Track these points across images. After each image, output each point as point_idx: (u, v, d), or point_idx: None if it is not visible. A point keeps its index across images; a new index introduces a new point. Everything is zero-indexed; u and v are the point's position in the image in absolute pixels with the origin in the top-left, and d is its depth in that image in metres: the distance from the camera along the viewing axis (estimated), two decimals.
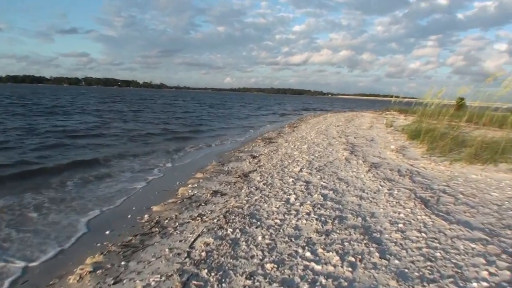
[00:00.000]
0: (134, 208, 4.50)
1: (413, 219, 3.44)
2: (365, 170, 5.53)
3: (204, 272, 2.48)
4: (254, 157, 7.05)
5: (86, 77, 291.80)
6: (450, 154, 6.48)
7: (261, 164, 6.27)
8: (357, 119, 17.07)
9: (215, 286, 2.31)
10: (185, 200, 4.47)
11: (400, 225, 3.29)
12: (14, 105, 24.00)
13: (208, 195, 4.58)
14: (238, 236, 3.11)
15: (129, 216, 4.21)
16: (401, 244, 2.90)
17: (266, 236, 3.07)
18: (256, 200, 4.14)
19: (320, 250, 2.77)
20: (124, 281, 2.50)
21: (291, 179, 5.00)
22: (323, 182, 4.87)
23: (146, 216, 4.10)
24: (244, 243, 2.95)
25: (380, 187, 4.60)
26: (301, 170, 5.56)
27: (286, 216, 3.56)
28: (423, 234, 3.07)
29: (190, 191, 4.89)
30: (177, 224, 3.62)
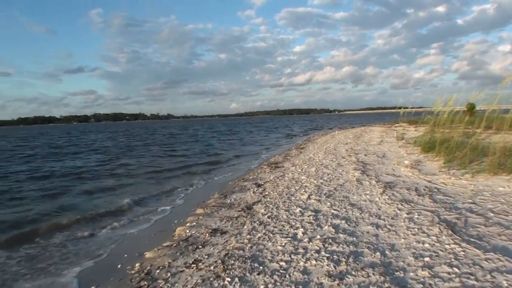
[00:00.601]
0: (126, 255, 4.07)
1: (441, 249, 2.94)
2: (379, 192, 5.04)
3: None
4: (259, 185, 6.61)
5: (95, 114, 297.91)
6: (470, 165, 5.97)
7: (266, 193, 5.82)
8: (366, 134, 16.58)
9: None
10: (181, 242, 4.04)
11: (427, 259, 2.79)
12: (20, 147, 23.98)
13: (207, 234, 4.14)
14: (237, 287, 2.65)
15: (119, 265, 3.78)
16: (430, 285, 2.40)
17: (270, 286, 2.60)
18: (259, 238, 3.68)
19: None
20: None
21: (298, 209, 4.54)
22: (334, 209, 4.40)
23: (137, 265, 3.68)
24: None
25: (398, 211, 4.10)
26: (309, 197, 5.10)
27: (292, 256, 3.09)
28: (456, 269, 2.57)
29: (187, 230, 4.47)
30: (169, 274, 3.18)
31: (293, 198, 5.21)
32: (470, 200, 4.37)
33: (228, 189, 6.97)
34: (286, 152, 12.80)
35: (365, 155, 8.97)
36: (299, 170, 7.67)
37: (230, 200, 5.76)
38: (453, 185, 5.22)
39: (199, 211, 5.37)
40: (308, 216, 4.21)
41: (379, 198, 4.72)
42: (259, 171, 8.58)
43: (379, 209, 4.29)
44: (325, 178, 6.38)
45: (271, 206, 4.90)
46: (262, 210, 4.73)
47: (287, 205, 4.82)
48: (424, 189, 5.07)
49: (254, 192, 6.02)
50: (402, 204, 4.35)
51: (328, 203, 4.70)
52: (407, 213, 4.00)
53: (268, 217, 4.39)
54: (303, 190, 5.64)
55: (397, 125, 22.23)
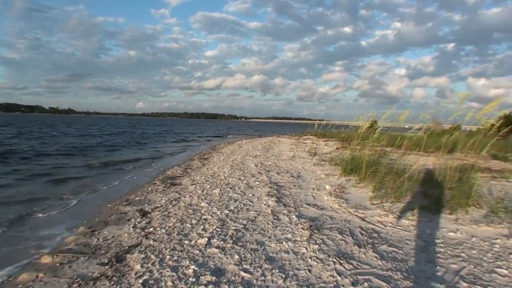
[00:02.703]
0: None
1: None
2: (305, 236, 3.68)
3: None
4: (144, 214, 4.87)
5: None
6: (404, 198, 4.95)
7: (151, 229, 4.13)
8: (275, 146, 15.54)
9: None
10: None
11: None
12: None
13: None
14: None
15: None
16: None
17: None
18: None
19: None
20: None
21: (192, 267, 3.00)
22: (244, 270, 2.94)
23: None
24: None
25: (339, 278, 2.76)
26: (209, 243, 3.55)
27: None
28: None
29: None
30: None
31: (186, 242, 3.60)
32: (425, 255, 3.21)
33: (102, 215, 5.12)
34: (187, 162, 11.03)
35: (278, 173, 7.69)
36: (200, 191, 6.05)
37: (98, 239, 3.93)
38: (393, 226, 4.08)
39: (45, 260, 3.46)
40: (205, 285, 2.62)
41: (307, 249, 3.36)
42: (150, 188, 6.76)
43: (309, 270, 2.92)
44: (232, 207, 4.88)
45: (153, 256, 3.25)
46: (138, 266, 3.05)
47: (176, 257, 3.23)
48: (361, 233, 3.84)
49: (135, 227, 4.25)
50: (340, 263, 3.02)
51: (236, 256, 3.20)
52: (352, 284, 2.63)
53: (143, 283, 2.70)
54: (202, 226, 4.06)
55: (305, 137, 21.86)
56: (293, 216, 4.39)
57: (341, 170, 7.28)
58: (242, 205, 5.00)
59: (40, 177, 8.45)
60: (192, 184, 6.78)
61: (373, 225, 4.11)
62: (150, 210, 5.04)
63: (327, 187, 6.12)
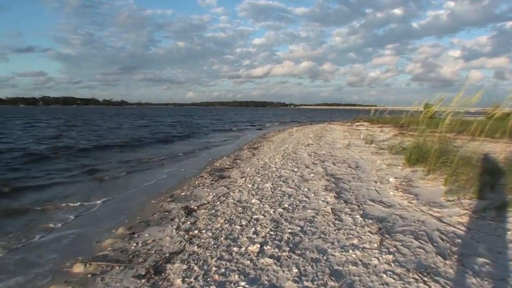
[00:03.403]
0: None
1: None
2: (375, 243, 3.11)
3: None
4: (189, 212, 4.50)
5: (44, 97, 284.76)
6: (485, 193, 4.24)
7: (196, 231, 3.73)
8: (327, 133, 14.85)
9: None
10: None
11: None
12: None
13: None
14: None
15: None
16: None
17: None
18: None
19: None
20: None
21: (242, 284, 2.52)
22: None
23: None
24: None
25: None
26: (261, 250, 3.08)
27: None
28: None
29: None
30: None
31: (235, 248, 3.16)
32: None
33: (145, 214, 4.81)
34: (237, 152, 10.69)
35: (334, 163, 7.11)
36: (250, 185, 5.63)
37: (137, 244, 3.60)
38: (478, 229, 3.39)
39: (77, 269, 3.18)
40: None
41: (379, 260, 2.79)
42: (197, 182, 6.44)
43: None
44: (286, 205, 4.40)
45: (196, 268, 2.83)
46: (179, 281, 2.64)
47: (223, 269, 2.77)
48: (441, 238, 3.21)
49: (178, 228, 3.90)
50: (424, 281, 2.44)
51: (294, 269, 2.70)
52: None
53: None
54: (254, 229, 3.61)
55: (358, 123, 20.89)
56: (357, 216, 3.84)
57: (405, 160, 6.56)
58: (298, 202, 4.50)
59: (86, 171, 8.45)
60: (242, 177, 6.39)
61: (454, 227, 3.48)
62: (196, 207, 4.67)
63: (391, 179, 5.48)
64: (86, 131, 20.89)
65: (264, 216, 4.01)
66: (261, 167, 7.22)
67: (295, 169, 6.68)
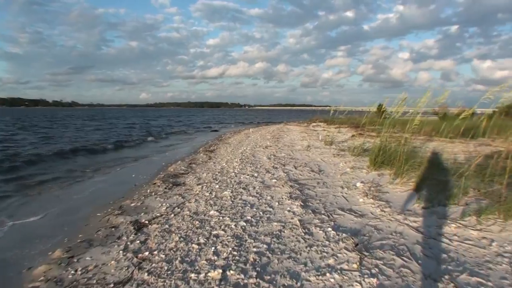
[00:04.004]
0: None
1: None
2: (354, 264, 2.70)
3: None
4: (139, 227, 3.91)
5: None
6: (460, 199, 3.98)
7: (146, 253, 3.16)
8: (285, 134, 14.53)
9: None
10: None
11: None
12: None
13: None
14: None
15: None
16: None
17: None
18: None
19: None
20: None
21: None
22: None
23: None
24: None
25: None
26: (224, 277, 2.60)
27: None
28: None
29: None
30: None
31: (193, 275, 2.65)
32: None
33: (88, 230, 4.15)
34: (192, 156, 10.06)
35: (295, 167, 6.73)
36: (207, 193, 5.09)
37: (76, 271, 2.97)
38: (460, 240, 3.09)
39: None
40: None
41: (362, 286, 2.38)
42: (148, 190, 5.80)
43: None
44: (249, 216, 3.92)
45: None
46: None
47: None
48: (424, 253, 2.86)
49: (126, 249, 3.29)
50: None
51: None
52: None
53: None
54: (214, 248, 3.10)
55: (314, 124, 20.87)
56: (329, 229, 3.43)
57: (369, 163, 6.29)
58: (261, 213, 4.03)
59: (21, 181, 7.52)
60: (198, 184, 5.82)
61: (435, 239, 3.15)
62: (147, 221, 4.07)
63: (358, 184, 5.14)
64: (32, 135, 19.16)
65: (225, 231, 3.51)
66: (219, 172, 6.69)
67: (255, 174, 6.22)
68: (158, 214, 4.33)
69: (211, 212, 4.15)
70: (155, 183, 6.31)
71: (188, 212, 4.27)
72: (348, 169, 6.33)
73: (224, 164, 7.69)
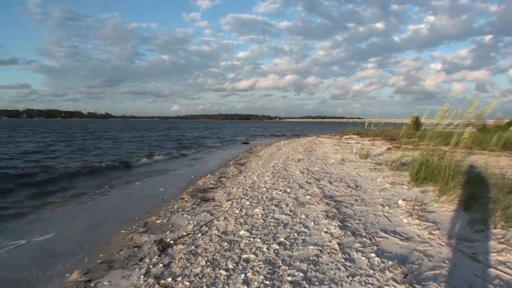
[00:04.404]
0: None
1: None
2: None
3: None
4: (163, 247, 3.67)
5: (28, 109, 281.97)
6: None
7: (170, 279, 2.89)
8: (317, 147, 14.14)
9: None
10: None
11: None
12: None
13: None
14: None
15: None
16: None
17: None
18: None
19: None
20: None
21: None
22: None
23: None
24: None
25: None
26: None
27: None
28: None
29: None
30: None
31: None
32: None
33: (110, 249, 3.94)
34: (222, 169, 9.86)
35: (330, 182, 6.38)
36: (237, 210, 4.83)
37: None
38: None
39: None
40: None
41: None
42: (176, 206, 5.60)
43: None
44: (282, 238, 3.62)
45: None
46: None
47: None
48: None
49: (147, 273, 3.04)
50: None
51: None
52: None
53: None
54: (243, 275, 2.80)
55: (347, 136, 20.33)
56: (372, 255, 3.08)
57: (410, 178, 5.86)
58: (295, 234, 3.72)
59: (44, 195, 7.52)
60: (228, 200, 5.57)
61: (495, 269, 2.75)
62: (172, 241, 3.83)
63: (400, 202, 4.75)
64: (72, 148, 19.50)
65: (256, 255, 3.21)
66: (249, 187, 6.43)
67: (288, 190, 5.92)
68: (184, 233, 4.09)
69: (241, 232, 3.88)
70: (183, 198, 6.11)
71: (216, 231, 4.01)
72: (387, 184, 5.93)
73: (255, 178, 7.43)
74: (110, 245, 4.13)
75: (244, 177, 7.84)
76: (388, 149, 11.40)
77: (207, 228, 4.20)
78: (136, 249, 3.78)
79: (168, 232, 4.23)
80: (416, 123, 17.49)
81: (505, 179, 4.91)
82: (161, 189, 7.55)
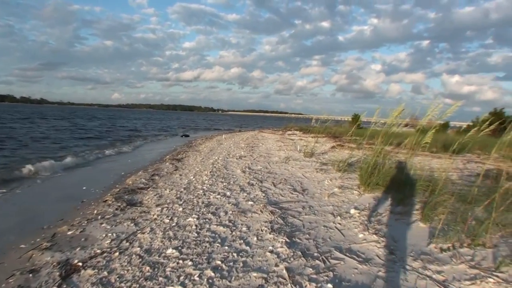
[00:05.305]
0: None
1: None
2: None
3: None
4: (66, 275, 2.85)
5: None
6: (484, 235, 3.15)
7: None
8: (260, 143, 13.57)
9: None
10: None
11: None
12: None
13: None
14: None
15: None
16: None
17: None
18: None
19: None
20: None
21: None
22: None
23: None
24: None
25: None
26: None
27: None
28: None
29: None
30: None
31: None
32: None
33: None
34: (156, 165, 8.92)
35: (274, 184, 5.80)
36: (167, 219, 4.06)
37: None
38: None
39: None
40: None
41: None
42: (95, 210, 4.71)
43: None
44: (218, 260, 2.93)
45: None
46: None
47: None
48: None
49: None
50: None
51: None
52: None
53: None
54: None
55: (290, 132, 20.08)
56: (329, 286, 2.50)
57: (360, 182, 5.42)
58: (235, 254, 3.05)
59: None
60: (158, 205, 4.76)
61: None
62: (80, 263, 3.00)
63: (352, 211, 4.24)
64: None
65: (184, 286, 2.50)
66: (184, 188, 5.67)
67: (228, 193, 5.24)
68: (98, 251, 3.27)
69: (169, 251, 3.13)
70: (106, 201, 5.20)
71: (138, 249, 3.24)
72: (335, 188, 5.45)
73: (191, 177, 6.66)
74: (2, 266, 3.19)
75: (180, 175, 7.04)
76: (332, 147, 11.14)
77: (127, 243, 3.41)
78: (31, 275, 2.90)
79: (78, 248, 3.38)
80: (355, 121, 17.74)
81: (451, 182, 4.67)
82: (84, 188, 6.52)
